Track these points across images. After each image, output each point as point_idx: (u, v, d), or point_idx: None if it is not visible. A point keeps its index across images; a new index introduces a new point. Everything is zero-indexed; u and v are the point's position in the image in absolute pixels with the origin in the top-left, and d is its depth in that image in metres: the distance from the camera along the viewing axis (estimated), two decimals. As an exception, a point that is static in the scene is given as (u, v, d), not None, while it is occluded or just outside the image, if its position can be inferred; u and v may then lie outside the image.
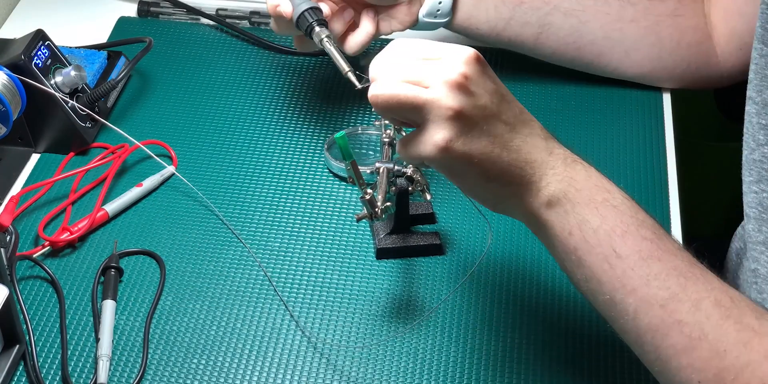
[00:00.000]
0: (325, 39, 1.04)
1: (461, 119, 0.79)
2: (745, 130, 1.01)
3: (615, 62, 1.21)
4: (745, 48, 1.19)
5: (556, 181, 0.82)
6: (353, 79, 0.99)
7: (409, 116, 0.81)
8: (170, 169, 1.12)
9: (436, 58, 0.81)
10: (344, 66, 1.00)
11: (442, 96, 0.78)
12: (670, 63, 1.22)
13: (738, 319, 0.78)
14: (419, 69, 0.80)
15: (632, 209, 0.83)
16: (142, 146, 1.09)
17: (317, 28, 1.05)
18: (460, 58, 0.80)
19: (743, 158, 1.01)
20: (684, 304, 0.78)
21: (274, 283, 1.02)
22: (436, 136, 0.79)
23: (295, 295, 1.01)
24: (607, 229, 0.81)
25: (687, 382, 0.78)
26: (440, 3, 1.13)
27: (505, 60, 1.29)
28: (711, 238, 1.15)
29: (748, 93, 0.98)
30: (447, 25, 1.17)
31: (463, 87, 0.79)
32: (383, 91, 0.80)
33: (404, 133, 1.08)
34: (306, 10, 1.05)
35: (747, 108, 0.99)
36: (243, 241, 1.06)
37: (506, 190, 0.82)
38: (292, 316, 0.99)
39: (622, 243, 0.80)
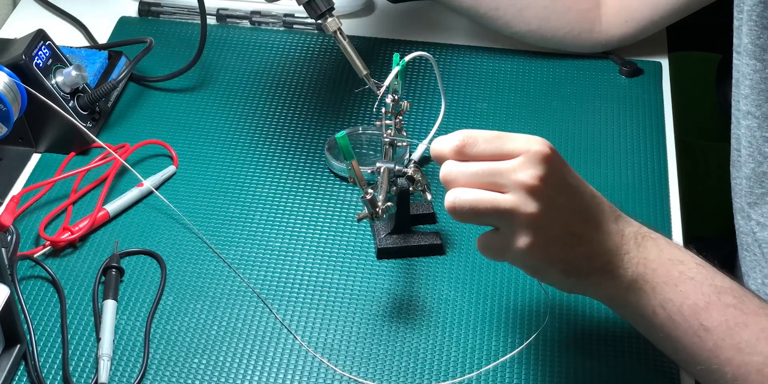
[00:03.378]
0: (339, 33, 1.01)
1: (541, 223, 0.79)
2: (741, 145, 1.01)
3: (508, 16, 1.25)
4: (631, 21, 1.26)
5: (632, 265, 0.83)
6: (372, 85, 0.99)
7: (488, 222, 0.81)
8: (171, 168, 1.13)
9: (507, 154, 0.80)
10: (361, 68, 0.99)
11: (521, 203, 0.78)
12: (556, 24, 1.26)
13: None
14: (493, 172, 0.79)
15: (708, 276, 0.83)
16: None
17: (330, 18, 1.01)
18: (533, 157, 0.79)
19: (747, 172, 1.01)
20: None
21: (275, 284, 1.02)
22: (518, 242, 0.80)
23: (296, 294, 1.01)
24: (690, 304, 0.82)
25: None
26: None
27: (505, 60, 1.29)
28: (711, 238, 1.15)
29: (744, 108, 0.99)
30: None
31: (539, 191, 0.78)
32: (462, 202, 0.80)
33: (405, 134, 1.09)
34: None
35: (745, 122, 0.99)
36: (244, 240, 1.06)
37: (585, 281, 0.83)
38: (280, 321, 0.99)
39: (708, 315, 0.82)
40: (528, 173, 0.78)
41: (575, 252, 0.81)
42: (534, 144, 0.79)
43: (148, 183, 1.10)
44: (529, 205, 0.78)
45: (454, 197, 0.80)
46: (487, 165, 0.79)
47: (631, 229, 0.84)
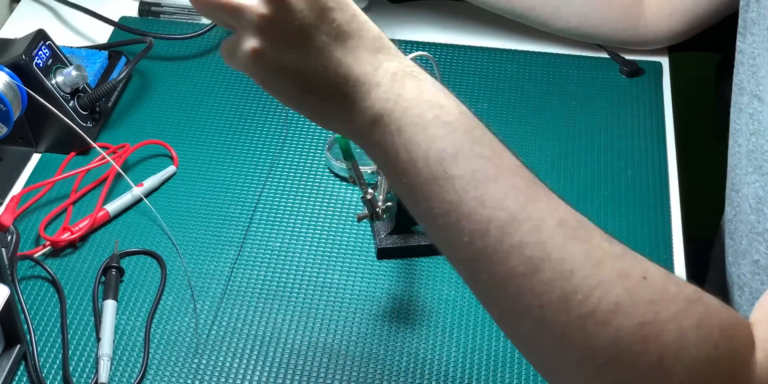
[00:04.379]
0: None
1: (273, 27, 0.72)
2: (747, 127, 1.00)
3: (545, 15, 1.26)
4: (675, 14, 1.26)
5: (381, 99, 0.73)
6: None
7: (226, 20, 0.74)
8: (172, 168, 1.13)
9: None
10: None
11: (254, 1, 0.71)
12: (597, 21, 1.27)
13: (586, 239, 0.70)
14: None
15: (467, 125, 0.73)
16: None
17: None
18: None
19: (746, 152, 0.99)
20: (524, 225, 0.70)
21: (275, 284, 1.02)
22: (246, 44, 0.72)
23: (296, 295, 1.01)
24: (437, 149, 0.72)
25: (526, 308, 0.69)
26: None
27: (505, 60, 1.29)
28: (711, 239, 1.15)
29: (759, 94, 0.97)
30: None
31: None
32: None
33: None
34: None
35: (758, 107, 0.98)
36: (243, 240, 1.06)
37: (326, 106, 0.75)
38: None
39: (454, 163, 0.72)
40: None
41: (310, 68, 0.73)
42: None
43: (149, 183, 1.10)
44: (262, 6, 0.71)
45: None
46: None
47: (394, 64, 0.75)
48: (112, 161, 1.09)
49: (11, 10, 1.35)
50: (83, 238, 1.05)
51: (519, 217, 0.70)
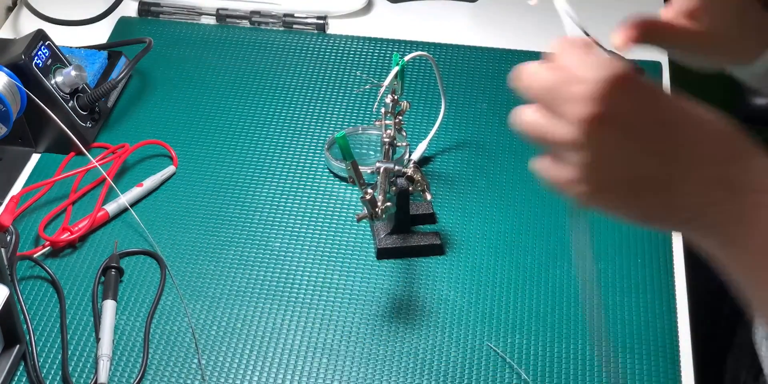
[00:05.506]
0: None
1: (600, 165, 0.64)
2: None
3: None
4: None
5: (747, 226, 0.63)
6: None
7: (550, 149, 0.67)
8: (171, 168, 1.13)
9: (579, 79, 0.65)
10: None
11: (577, 140, 0.63)
12: None
13: None
14: (557, 94, 0.64)
15: None
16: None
17: None
18: (598, 85, 0.63)
19: None
20: None
21: (275, 284, 1.02)
22: (575, 184, 0.64)
23: (295, 295, 1.01)
24: None
25: None
26: None
27: (505, 60, 1.29)
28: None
29: None
30: None
31: (601, 130, 0.63)
32: (522, 124, 0.66)
33: (404, 134, 1.08)
34: None
35: None
36: (243, 240, 1.06)
37: (677, 228, 0.68)
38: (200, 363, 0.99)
39: None
40: (588, 103, 0.63)
41: (649, 201, 0.64)
42: (606, 68, 0.65)
43: (148, 183, 1.10)
44: (586, 145, 0.63)
45: (518, 119, 0.66)
46: (555, 81, 0.65)
47: (752, 176, 0.63)
48: (101, 170, 1.09)
49: (11, 10, 1.35)
50: (83, 238, 1.05)
51: None
